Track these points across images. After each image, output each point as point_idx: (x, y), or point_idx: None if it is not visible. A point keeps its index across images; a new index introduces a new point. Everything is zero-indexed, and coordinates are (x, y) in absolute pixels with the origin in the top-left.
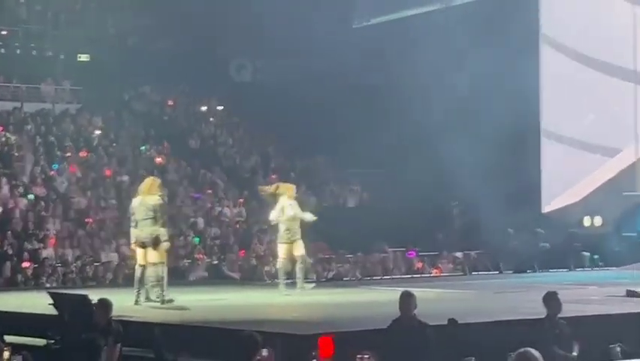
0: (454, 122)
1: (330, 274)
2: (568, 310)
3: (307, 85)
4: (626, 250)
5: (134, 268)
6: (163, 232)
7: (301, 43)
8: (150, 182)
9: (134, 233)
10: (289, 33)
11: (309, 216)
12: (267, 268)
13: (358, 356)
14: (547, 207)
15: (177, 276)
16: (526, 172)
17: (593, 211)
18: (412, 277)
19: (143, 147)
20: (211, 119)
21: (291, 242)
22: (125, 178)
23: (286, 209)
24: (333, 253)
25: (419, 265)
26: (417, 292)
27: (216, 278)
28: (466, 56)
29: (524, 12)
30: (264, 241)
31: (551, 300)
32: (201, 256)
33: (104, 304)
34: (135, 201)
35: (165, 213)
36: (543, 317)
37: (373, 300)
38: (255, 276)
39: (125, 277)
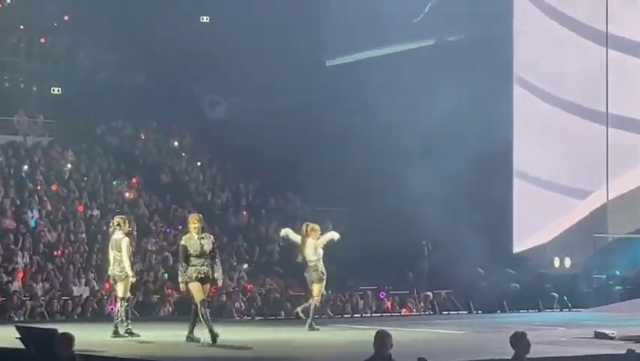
0: (425, 161)
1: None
2: (536, 351)
3: (279, 122)
4: (595, 291)
5: (102, 302)
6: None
7: (274, 81)
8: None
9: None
10: (263, 70)
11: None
12: (236, 305)
13: None
14: (518, 248)
15: (146, 311)
16: (497, 212)
17: (564, 252)
18: (382, 316)
19: (114, 182)
20: (183, 154)
21: (322, 281)
22: (96, 212)
23: (318, 249)
24: (303, 290)
25: (389, 303)
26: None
27: (186, 314)
28: (438, 95)
29: (498, 54)
30: (234, 277)
31: (519, 340)
32: (171, 291)
33: (66, 338)
34: (190, 239)
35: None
36: (510, 357)
37: (345, 338)
38: (224, 312)
39: (93, 311)
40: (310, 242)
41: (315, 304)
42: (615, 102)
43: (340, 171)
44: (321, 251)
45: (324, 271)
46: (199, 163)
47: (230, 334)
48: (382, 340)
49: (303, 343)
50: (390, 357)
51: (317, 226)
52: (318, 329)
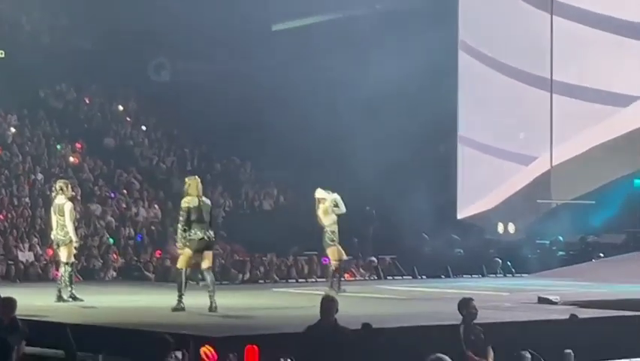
0: (370, 127)
1: (246, 277)
2: (481, 316)
3: (225, 87)
4: (538, 257)
5: (47, 267)
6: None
7: (220, 45)
8: (198, 182)
9: (184, 235)
10: (209, 34)
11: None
12: None
13: (282, 359)
14: (462, 214)
15: (89, 276)
16: (442, 178)
17: (507, 218)
18: (327, 281)
19: (58, 146)
20: (128, 118)
21: (331, 246)
22: (40, 177)
23: (329, 214)
24: (248, 255)
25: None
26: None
27: (130, 279)
28: (382, 61)
29: (443, 19)
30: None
31: (467, 306)
32: (115, 256)
33: (8, 303)
34: (190, 202)
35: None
36: (458, 323)
37: (289, 304)
38: (169, 277)
39: (37, 275)
40: (321, 208)
41: (331, 268)
42: (559, 69)
43: (286, 136)
44: (333, 216)
45: (334, 238)
46: (144, 128)
47: (171, 298)
48: (328, 305)
49: (247, 309)
50: (335, 322)
51: (320, 192)
52: (344, 291)
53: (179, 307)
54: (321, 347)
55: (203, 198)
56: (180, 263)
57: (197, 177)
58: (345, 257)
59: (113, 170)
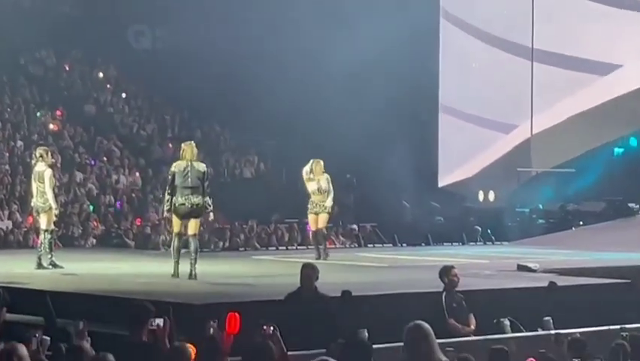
0: (352, 94)
1: (226, 245)
2: (461, 283)
3: (205, 54)
4: (518, 225)
5: (27, 235)
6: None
7: (200, 12)
8: (193, 147)
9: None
10: (188, 1)
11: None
12: (162, 237)
13: (264, 326)
14: (443, 182)
15: (69, 243)
16: (423, 146)
17: (488, 186)
18: (307, 248)
19: (38, 113)
20: (108, 85)
21: (317, 213)
22: (20, 144)
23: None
24: (229, 223)
25: None
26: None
27: (110, 246)
28: (365, 28)
29: None
30: (160, 210)
31: (448, 274)
32: (95, 223)
33: None
34: (176, 167)
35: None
36: (440, 290)
37: (270, 271)
38: (149, 244)
39: (17, 243)
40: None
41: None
42: (540, 37)
43: (267, 103)
44: (311, 185)
45: (309, 206)
46: (124, 95)
47: (155, 266)
48: (308, 273)
49: (227, 276)
50: (315, 290)
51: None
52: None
53: (175, 274)
54: (302, 314)
55: (194, 163)
56: (174, 228)
57: (192, 142)
58: (321, 225)
59: (94, 137)
